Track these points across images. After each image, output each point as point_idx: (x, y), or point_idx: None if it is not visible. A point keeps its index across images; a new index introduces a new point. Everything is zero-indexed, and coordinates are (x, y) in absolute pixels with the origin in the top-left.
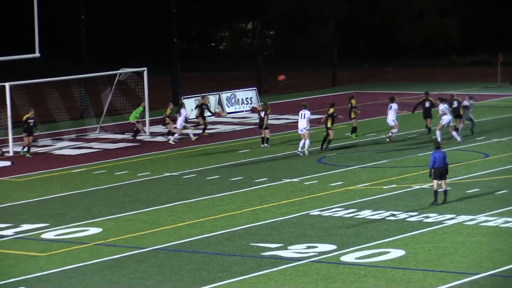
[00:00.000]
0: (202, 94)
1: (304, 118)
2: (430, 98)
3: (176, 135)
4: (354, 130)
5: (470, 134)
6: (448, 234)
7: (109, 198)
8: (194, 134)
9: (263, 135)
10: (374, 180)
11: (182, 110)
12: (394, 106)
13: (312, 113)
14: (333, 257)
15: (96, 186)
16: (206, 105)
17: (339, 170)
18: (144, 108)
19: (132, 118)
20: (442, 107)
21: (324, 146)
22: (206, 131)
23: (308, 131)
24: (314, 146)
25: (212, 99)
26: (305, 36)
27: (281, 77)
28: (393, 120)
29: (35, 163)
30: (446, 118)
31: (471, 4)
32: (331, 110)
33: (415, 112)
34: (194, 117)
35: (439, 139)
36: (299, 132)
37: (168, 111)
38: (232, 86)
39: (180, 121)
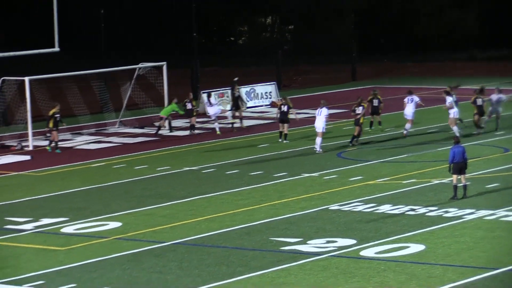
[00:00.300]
0: (237, 87)
1: (320, 115)
2: (481, 96)
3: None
4: (378, 123)
5: (494, 129)
6: (468, 229)
7: (129, 193)
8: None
9: (281, 130)
10: (394, 175)
11: (212, 100)
12: (416, 98)
13: (329, 110)
14: (352, 252)
15: (116, 180)
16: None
17: (358, 165)
18: (176, 104)
19: (165, 113)
20: (450, 100)
21: (353, 141)
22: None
23: (323, 131)
24: (335, 141)
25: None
26: (324, 31)
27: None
28: (413, 113)
29: (54, 157)
30: (453, 111)
31: None
32: (365, 104)
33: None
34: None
35: (457, 134)
36: (317, 130)
37: (194, 102)
38: (252, 81)
39: (212, 111)
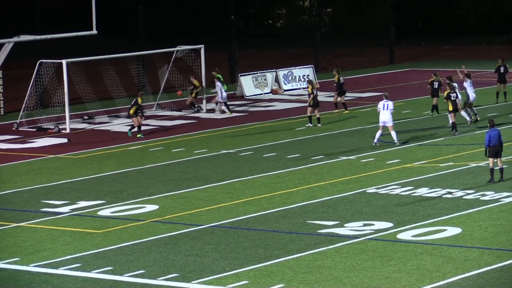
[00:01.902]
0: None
1: (387, 109)
2: None
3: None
4: (434, 108)
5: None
6: (505, 212)
7: (166, 175)
8: None
9: (313, 114)
10: (431, 158)
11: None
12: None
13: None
14: (389, 235)
15: (153, 163)
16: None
17: (395, 148)
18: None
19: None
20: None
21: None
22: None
23: (392, 124)
24: (371, 124)
25: (269, 76)
26: (362, 13)
27: (179, 93)
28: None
29: (91, 140)
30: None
31: None
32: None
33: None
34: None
35: (467, 118)
36: (380, 124)
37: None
38: (289, 64)
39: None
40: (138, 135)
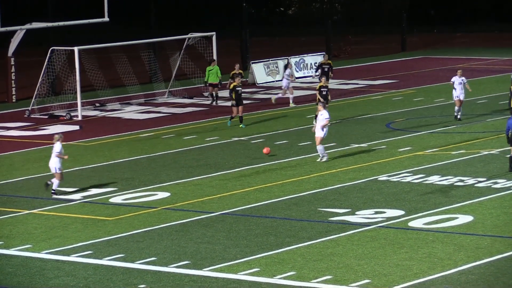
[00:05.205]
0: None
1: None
2: None
3: (280, 95)
4: None
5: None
6: None
7: (177, 163)
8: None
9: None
10: (443, 146)
11: (288, 71)
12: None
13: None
14: (401, 223)
15: (165, 150)
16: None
17: (407, 136)
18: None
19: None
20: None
21: None
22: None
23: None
24: (384, 111)
25: (281, 64)
26: (374, 1)
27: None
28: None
29: (103, 128)
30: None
31: None
32: None
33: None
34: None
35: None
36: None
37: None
38: (301, 51)
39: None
40: (240, 125)
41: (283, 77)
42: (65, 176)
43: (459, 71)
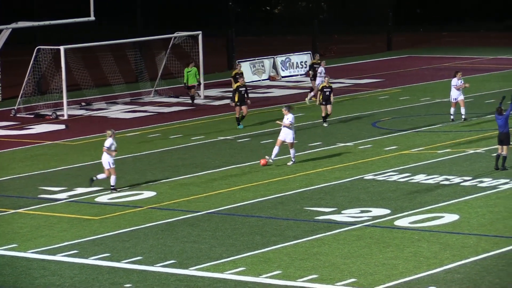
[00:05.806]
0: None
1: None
2: None
3: (312, 93)
4: None
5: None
6: (502, 199)
7: (163, 162)
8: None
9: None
10: (428, 145)
11: (321, 69)
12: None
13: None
14: (387, 222)
15: (150, 149)
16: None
17: (393, 135)
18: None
19: (193, 81)
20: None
21: None
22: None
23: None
24: (370, 110)
25: (267, 62)
26: (360, 0)
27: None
28: None
29: (89, 127)
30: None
31: None
32: None
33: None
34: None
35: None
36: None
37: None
38: (287, 50)
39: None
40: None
41: (312, 75)
42: (50, 176)
43: (459, 73)
